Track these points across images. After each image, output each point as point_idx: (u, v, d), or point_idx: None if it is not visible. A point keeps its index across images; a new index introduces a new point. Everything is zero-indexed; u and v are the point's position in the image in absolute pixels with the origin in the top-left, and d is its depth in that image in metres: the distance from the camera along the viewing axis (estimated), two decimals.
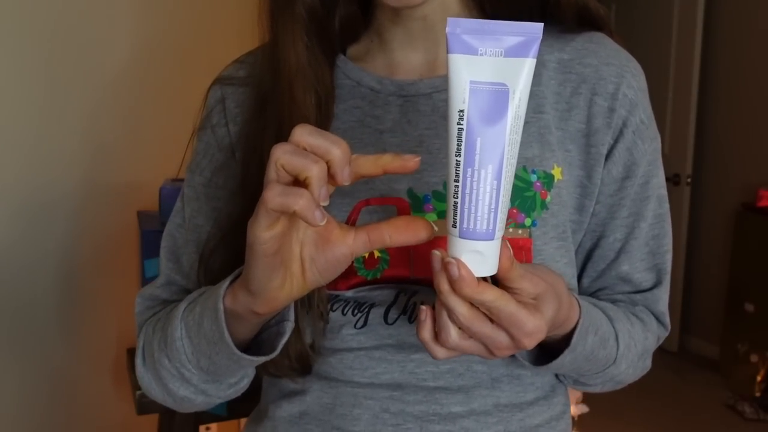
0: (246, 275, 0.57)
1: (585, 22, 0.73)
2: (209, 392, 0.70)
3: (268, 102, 0.68)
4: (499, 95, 0.50)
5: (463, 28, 0.50)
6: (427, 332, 0.57)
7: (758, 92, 3.64)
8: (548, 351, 0.67)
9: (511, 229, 0.67)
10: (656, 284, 0.77)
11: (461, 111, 0.50)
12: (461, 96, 0.50)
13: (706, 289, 3.96)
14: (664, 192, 0.76)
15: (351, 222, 0.68)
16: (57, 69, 1.81)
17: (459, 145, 0.51)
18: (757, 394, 3.30)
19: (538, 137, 0.69)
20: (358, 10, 0.75)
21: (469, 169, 0.51)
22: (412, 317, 0.67)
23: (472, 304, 0.53)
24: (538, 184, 0.68)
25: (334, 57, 0.73)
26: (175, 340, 0.66)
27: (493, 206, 0.51)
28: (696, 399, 3.43)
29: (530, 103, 0.69)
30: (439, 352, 0.57)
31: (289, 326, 0.64)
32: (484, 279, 0.53)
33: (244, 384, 0.72)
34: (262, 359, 0.64)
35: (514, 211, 0.67)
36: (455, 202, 0.52)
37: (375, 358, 0.68)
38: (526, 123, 0.68)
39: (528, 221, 0.68)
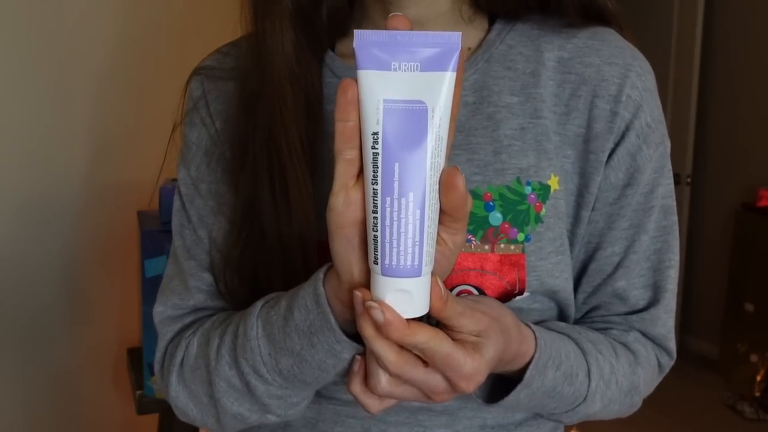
0: (331, 250, 0.51)
1: (590, 15, 0.68)
2: (270, 408, 0.63)
3: (256, 102, 0.65)
4: (417, 114, 0.44)
5: (372, 40, 0.44)
6: (357, 384, 0.53)
7: (758, 92, 3.64)
8: (505, 386, 0.63)
9: (503, 245, 0.64)
10: (652, 303, 0.70)
11: (375, 134, 0.45)
12: (374, 117, 0.44)
13: (706, 289, 3.95)
14: (672, 202, 0.70)
15: None
16: (57, 69, 1.81)
17: (375, 172, 0.45)
18: (757, 394, 3.30)
19: (535, 145, 0.65)
20: (346, 2, 0.70)
21: (388, 198, 0.45)
22: None
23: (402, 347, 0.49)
24: (532, 196, 0.64)
25: (322, 53, 0.69)
26: (249, 340, 0.59)
27: (417, 239, 0.45)
28: (696, 399, 3.43)
29: (528, 107, 0.66)
30: (372, 404, 0.53)
31: None
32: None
33: (303, 406, 0.65)
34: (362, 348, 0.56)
35: (506, 225, 0.64)
36: (375, 236, 0.46)
37: None
38: (522, 130, 0.65)
39: (521, 236, 0.64)
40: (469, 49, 0.69)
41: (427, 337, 0.48)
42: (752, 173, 3.68)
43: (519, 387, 0.59)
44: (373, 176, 0.45)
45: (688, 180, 3.86)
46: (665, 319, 0.71)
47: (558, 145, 0.66)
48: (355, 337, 0.55)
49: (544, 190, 0.65)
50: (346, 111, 0.45)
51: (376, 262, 0.47)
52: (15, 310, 1.84)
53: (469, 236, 0.64)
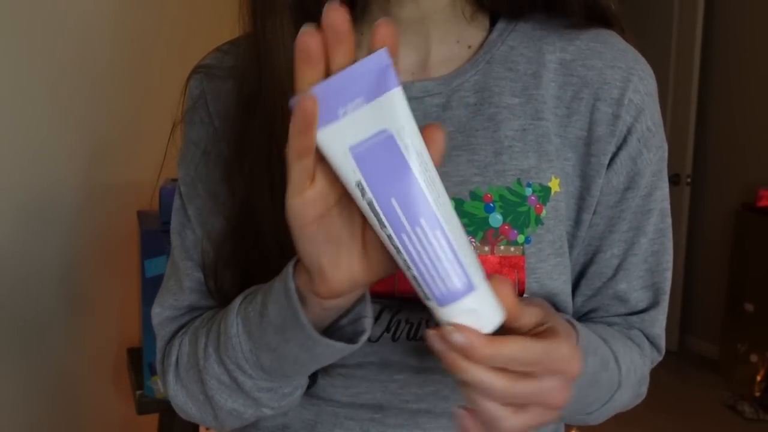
0: (297, 250, 0.50)
1: (593, 17, 0.68)
2: (262, 402, 0.63)
3: (256, 100, 0.64)
4: (386, 144, 0.43)
5: None
6: None
7: (758, 92, 3.64)
8: None
9: (503, 247, 0.63)
10: (653, 305, 0.71)
11: (359, 183, 0.44)
12: (349, 168, 0.43)
13: (706, 289, 3.96)
14: (667, 205, 0.71)
15: None
16: (57, 69, 1.81)
17: (379, 218, 0.44)
18: (757, 394, 3.30)
19: (536, 146, 0.65)
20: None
21: (404, 235, 0.44)
22: (396, 335, 0.64)
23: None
24: (533, 198, 0.64)
25: None
26: (230, 338, 0.59)
27: (451, 256, 0.44)
28: (696, 399, 3.43)
29: (529, 108, 0.65)
30: None
31: (369, 323, 0.56)
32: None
33: (298, 395, 0.64)
34: (341, 346, 0.55)
35: (506, 227, 0.64)
36: (413, 276, 0.45)
37: (357, 376, 0.66)
38: (523, 131, 0.65)
39: (521, 238, 0.64)
40: (470, 47, 0.69)
41: (518, 344, 0.46)
42: (752, 173, 3.68)
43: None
44: (379, 222, 0.45)
45: (688, 180, 3.86)
46: (661, 320, 0.72)
47: (559, 147, 0.66)
48: (329, 332, 0.56)
49: (544, 192, 0.65)
50: (306, 129, 0.44)
51: (429, 299, 0.46)
52: (15, 310, 1.84)
53: (469, 238, 0.64)
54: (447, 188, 0.64)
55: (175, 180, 0.75)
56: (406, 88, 0.67)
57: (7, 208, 1.80)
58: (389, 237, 0.45)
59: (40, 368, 1.89)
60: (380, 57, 0.43)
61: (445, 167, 0.65)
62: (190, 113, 0.72)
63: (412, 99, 0.66)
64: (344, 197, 0.48)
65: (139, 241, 1.62)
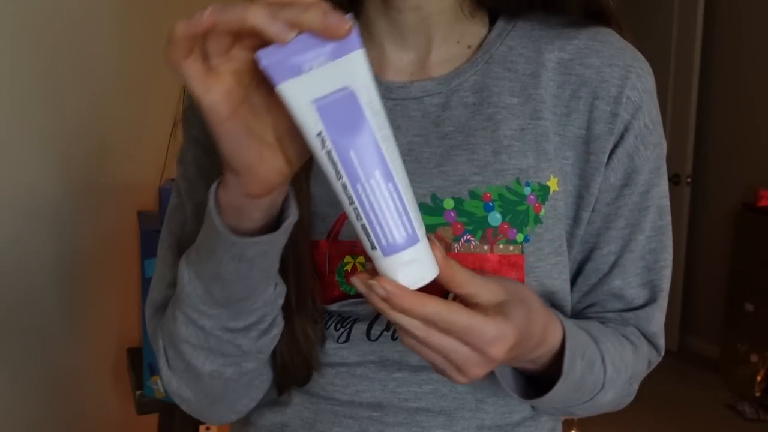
0: (221, 153, 0.50)
1: (592, 15, 0.68)
2: (241, 347, 0.61)
3: None
4: (348, 100, 0.46)
5: (277, 54, 0.45)
6: None
7: (758, 92, 3.64)
8: (534, 382, 0.63)
9: (502, 246, 0.64)
10: (649, 301, 0.71)
11: (319, 134, 0.47)
12: (312, 119, 0.46)
13: (706, 289, 3.96)
14: (666, 203, 0.71)
15: (334, 233, 0.65)
16: (56, 69, 1.81)
17: (336, 168, 0.47)
18: (757, 394, 3.30)
19: (534, 146, 0.65)
20: (345, 1, 0.68)
21: (358, 185, 0.47)
22: (395, 334, 0.65)
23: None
24: (532, 197, 0.65)
25: None
26: (184, 287, 0.59)
27: (400, 208, 0.48)
28: (696, 399, 3.43)
29: (528, 108, 0.66)
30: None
31: (293, 213, 0.55)
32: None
33: (275, 333, 0.63)
34: (266, 238, 0.54)
35: (505, 226, 0.64)
36: (362, 225, 0.48)
37: (356, 375, 0.66)
38: (522, 130, 0.65)
39: (520, 237, 0.64)
40: (469, 47, 0.70)
41: (439, 307, 0.49)
42: (752, 173, 3.68)
43: (560, 381, 0.59)
44: (336, 172, 0.47)
45: (688, 180, 3.86)
46: (659, 318, 0.72)
47: (558, 146, 0.66)
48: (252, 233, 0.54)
49: (543, 191, 0.65)
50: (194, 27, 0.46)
51: (374, 248, 0.49)
52: (15, 310, 1.84)
53: (468, 237, 0.64)
54: (447, 187, 0.65)
55: (174, 180, 0.75)
56: (406, 88, 0.67)
57: (8, 208, 1.80)
58: (344, 186, 0.47)
59: (40, 368, 1.89)
60: (344, 21, 0.45)
61: (444, 166, 0.65)
62: (190, 110, 0.72)
63: (411, 99, 0.67)
64: (251, 93, 0.48)
65: (139, 241, 1.62)
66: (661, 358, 0.74)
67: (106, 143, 1.89)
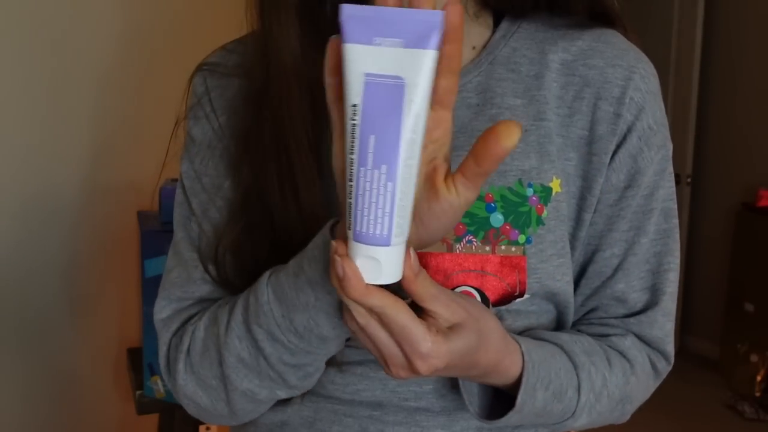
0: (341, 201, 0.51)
1: (597, 16, 0.68)
2: (284, 376, 0.62)
3: (262, 97, 0.65)
4: (396, 90, 0.45)
5: (358, 14, 0.45)
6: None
7: (758, 92, 3.64)
8: (501, 398, 0.63)
9: (504, 247, 0.64)
10: (650, 305, 0.70)
11: (355, 105, 0.46)
12: (356, 89, 0.46)
13: (706, 289, 3.96)
14: (673, 205, 0.70)
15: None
16: (57, 69, 1.81)
17: (352, 142, 0.47)
18: (757, 394, 3.30)
19: (537, 147, 0.65)
20: None
21: (362, 169, 0.47)
22: None
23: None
24: (534, 198, 0.64)
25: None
26: (261, 305, 0.59)
27: (387, 210, 0.47)
28: (696, 399, 3.43)
29: (531, 110, 0.66)
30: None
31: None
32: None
33: (317, 377, 0.65)
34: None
35: (507, 227, 0.64)
36: (349, 203, 0.48)
37: (357, 374, 0.66)
38: (525, 132, 0.65)
39: (522, 238, 0.64)
40: (474, 48, 0.69)
41: (384, 303, 0.49)
42: (752, 173, 3.68)
43: (511, 413, 0.60)
44: (351, 146, 0.47)
45: (688, 180, 3.86)
46: (663, 322, 0.71)
47: (561, 148, 0.66)
48: None
49: (545, 193, 0.65)
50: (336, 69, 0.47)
51: (349, 228, 0.49)
52: (15, 310, 1.84)
53: (470, 237, 0.64)
54: None
55: (175, 180, 0.75)
56: None
57: (8, 208, 1.80)
58: (350, 161, 0.47)
59: (40, 368, 1.89)
60: (435, 16, 0.45)
61: None
62: (194, 109, 0.72)
63: None
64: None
65: (139, 242, 1.62)
66: (670, 366, 0.73)
67: (106, 143, 1.89)
